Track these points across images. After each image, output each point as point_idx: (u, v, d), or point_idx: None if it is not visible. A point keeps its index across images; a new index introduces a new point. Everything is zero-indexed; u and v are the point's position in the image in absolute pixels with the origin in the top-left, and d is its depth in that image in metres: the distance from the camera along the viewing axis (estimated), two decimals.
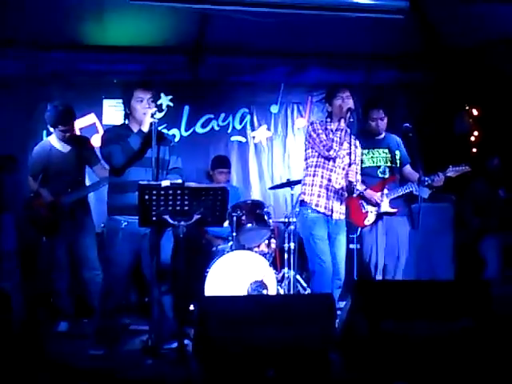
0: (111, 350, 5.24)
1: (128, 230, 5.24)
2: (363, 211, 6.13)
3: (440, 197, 6.85)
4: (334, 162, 5.80)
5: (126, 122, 5.50)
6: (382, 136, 6.30)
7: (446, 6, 6.48)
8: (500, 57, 7.12)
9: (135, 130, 5.33)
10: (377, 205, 6.10)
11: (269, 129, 8.22)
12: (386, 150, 6.26)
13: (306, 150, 5.95)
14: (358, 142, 6.04)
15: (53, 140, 6.27)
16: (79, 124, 7.37)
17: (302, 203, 5.90)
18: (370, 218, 6.12)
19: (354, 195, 5.87)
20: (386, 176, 6.21)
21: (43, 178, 6.20)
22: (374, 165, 6.21)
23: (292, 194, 6.84)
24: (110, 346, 5.26)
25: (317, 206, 5.78)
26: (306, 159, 5.96)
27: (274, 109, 8.22)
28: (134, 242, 5.29)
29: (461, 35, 6.99)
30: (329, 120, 5.90)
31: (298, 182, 6.84)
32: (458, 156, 7.49)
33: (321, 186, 5.79)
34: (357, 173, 5.96)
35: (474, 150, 8.00)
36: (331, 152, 5.72)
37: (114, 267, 5.32)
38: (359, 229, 6.22)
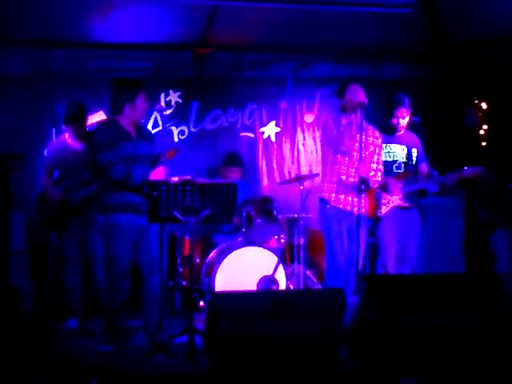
0: (120, 347, 5.25)
1: (127, 226, 5.23)
2: (375, 202, 6.15)
3: (450, 191, 6.84)
4: (351, 157, 5.80)
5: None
6: (401, 133, 6.32)
7: (453, 1, 6.46)
8: (507, 51, 7.08)
9: (126, 126, 5.33)
10: (391, 195, 6.12)
11: (278, 124, 8.20)
12: (404, 147, 6.30)
13: (322, 148, 6.00)
14: (377, 133, 6.04)
15: (67, 137, 6.31)
16: (88, 121, 7.37)
17: (322, 199, 5.93)
18: (382, 210, 6.15)
19: (376, 185, 5.88)
20: (401, 171, 6.25)
21: (58, 175, 6.24)
22: (391, 159, 6.25)
23: (301, 190, 6.83)
24: (119, 343, 5.28)
25: (336, 201, 5.80)
26: (323, 156, 6.00)
27: (283, 104, 8.20)
28: (132, 238, 5.29)
29: (468, 29, 6.96)
30: (345, 114, 5.92)
31: (308, 177, 6.86)
32: (467, 150, 7.49)
33: (339, 182, 5.81)
34: (379, 163, 6.00)
35: (484, 143, 7.97)
36: (342, 147, 5.74)
37: (118, 264, 5.31)
38: (371, 220, 6.22)
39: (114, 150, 5.19)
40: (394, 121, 6.25)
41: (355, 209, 5.77)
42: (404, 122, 6.27)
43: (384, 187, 6.08)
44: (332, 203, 5.82)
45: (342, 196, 5.81)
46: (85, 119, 6.35)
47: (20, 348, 4.57)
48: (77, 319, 6.20)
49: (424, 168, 6.33)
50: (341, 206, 5.81)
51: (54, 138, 7.09)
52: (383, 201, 6.19)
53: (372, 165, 5.94)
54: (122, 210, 5.19)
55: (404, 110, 6.22)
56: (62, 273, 6.26)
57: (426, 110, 7.30)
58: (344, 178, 5.82)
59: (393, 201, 6.18)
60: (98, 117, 7.60)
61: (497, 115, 7.74)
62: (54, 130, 7.29)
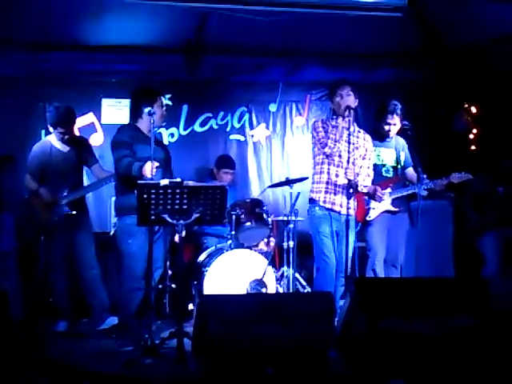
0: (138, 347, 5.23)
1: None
2: (365, 207, 6.18)
3: (439, 194, 6.86)
4: (340, 157, 5.81)
5: (130, 122, 5.76)
6: (391, 137, 6.34)
7: (444, 4, 6.48)
8: (499, 54, 7.11)
9: (144, 131, 5.61)
10: (379, 201, 6.13)
11: (267, 127, 8.21)
12: (392, 151, 6.33)
13: (312, 149, 6.02)
14: (368, 137, 6.06)
15: (53, 139, 6.28)
16: (78, 123, 7.35)
17: (311, 201, 5.95)
18: (372, 215, 6.19)
19: (365, 189, 5.90)
20: (390, 175, 6.27)
21: (42, 177, 6.21)
22: (380, 163, 6.27)
23: (291, 193, 6.83)
24: (138, 342, 5.27)
25: (324, 202, 5.83)
26: (313, 157, 6.01)
27: (273, 107, 8.21)
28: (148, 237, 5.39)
29: (459, 33, 6.98)
30: (334, 117, 5.94)
31: (297, 180, 6.86)
32: (457, 154, 7.52)
33: (328, 183, 5.83)
34: (368, 167, 6.02)
35: (473, 147, 8.00)
36: (326, 149, 5.78)
37: (140, 262, 5.41)
38: (359, 224, 6.23)
39: (131, 149, 5.46)
40: (386, 127, 6.27)
41: (344, 210, 5.78)
42: (395, 129, 6.29)
43: (372, 196, 6.09)
44: (321, 204, 5.83)
45: (332, 196, 5.82)
46: (73, 123, 6.34)
47: (8, 350, 4.55)
48: (66, 322, 6.19)
49: (411, 172, 6.35)
50: (329, 207, 5.82)
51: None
52: (372, 205, 6.21)
53: (362, 169, 5.96)
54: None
55: (397, 117, 6.24)
56: (50, 275, 6.24)
57: (417, 114, 7.32)
58: (333, 178, 5.83)
59: (382, 205, 6.20)
60: (87, 119, 7.60)
61: (487, 119, 7.77)
62: (43, 131, 7.27)
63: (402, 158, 6.37)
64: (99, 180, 6.27)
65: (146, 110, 5.43)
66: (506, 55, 7.03)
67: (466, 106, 8.06)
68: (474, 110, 8.04)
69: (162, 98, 5.75)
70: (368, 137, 6.07)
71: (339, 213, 5.80)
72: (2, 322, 4.49)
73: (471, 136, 8.06)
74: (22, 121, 7.33)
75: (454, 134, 7.98)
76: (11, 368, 4.32)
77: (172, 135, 7.86)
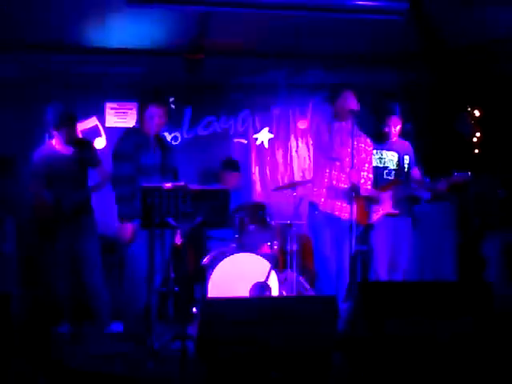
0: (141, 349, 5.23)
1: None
2: (365, 210, 6.17)
3: (441, 197, 6.86)
4: (341, 162, 5.81)
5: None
6: (393, 140, 6.35)
7: (446, 6, 6.49)
8: (501, 56, 7.11)
9: (147, 136, 5.53)
10: (380, 204, 6.14)
11: (271, 130, 8.21)
12: (395, 154, 6.34)
13: (313, 153, 6.03)
14: (369, 140, 6.08)
15: (56, 143, 6.29)
16: (81, 127, 7.37)
17: (311, 204, 5.93)
18: (373, 218, 6.17)
19: (366, 193, 5.91)
20: (391, 178, 6.27)
21: (46, 180, 6.22)
22: (381, 166, 6.27)
23: (294, 196, 6.83)
24: (141, 345, 5.27)
25: (325, 206, 5.82)
26: (314, 161, 6.02)
27: (276, 110, 8.21)
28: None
29: (461, 35, 6.98)
30: (337, 120, 5.94)
31: (301, 183, 6.86)
32: (459, 157, 7.51)
33: (329, 187, 5.83)
34: (369, 171, 6.02)
35: (476, 150, 7.98)
36: (333, 153, 5.77)
37: (141, 265, 5.37)
38: (361, 228, 6.24)
39: (135, 161, 5.48)
40: (386, 129, 6.29)
41: (344, 214, 5.78)
42: (396, 130, 6.30)
43: (372, 199, 6.09)
44: (321, 208, 5.84)
45: (332, 201, 5.82)
46: (75, 124, 6.35)
47: (10, 352, 4.56)
48: (68, 324, 6.18)
49: (416, 173, 6.36)
50: (329, 211, 5.82)
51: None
52: (373, 209, 6.21)
53: (363, 173, 5.97)
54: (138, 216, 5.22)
55: (396, 118, 6.25)
56: (52, 278, 6.24)
57: (419, 116, 7.32)
58: (335, 183, 5.83)
59: (382, 208, 6.21)
60: (90, 122, 7.60)
61: (490, 122, 7.75)
62: (47, 134, 7.27)
63: (407, 161, 6.37)
64: (102, 181, 6.29)
65: (148, 114, 5.45)
66: (507, 56, 7.04)
67: (469, 108, 8.04)
68: (477, 112, 8.03)
69: (154, 108, 5.63)
70: (369, 140, 6.08)
71: (338, 217, 5.81)
72: (4, 323, 4.50)
73: (474, 139, 8.05)
74: (24, 124, 7.31)
75: (456, 136, 7.97)
76: (11, 369, 4.34)
77: (175, 138, 7.87)
